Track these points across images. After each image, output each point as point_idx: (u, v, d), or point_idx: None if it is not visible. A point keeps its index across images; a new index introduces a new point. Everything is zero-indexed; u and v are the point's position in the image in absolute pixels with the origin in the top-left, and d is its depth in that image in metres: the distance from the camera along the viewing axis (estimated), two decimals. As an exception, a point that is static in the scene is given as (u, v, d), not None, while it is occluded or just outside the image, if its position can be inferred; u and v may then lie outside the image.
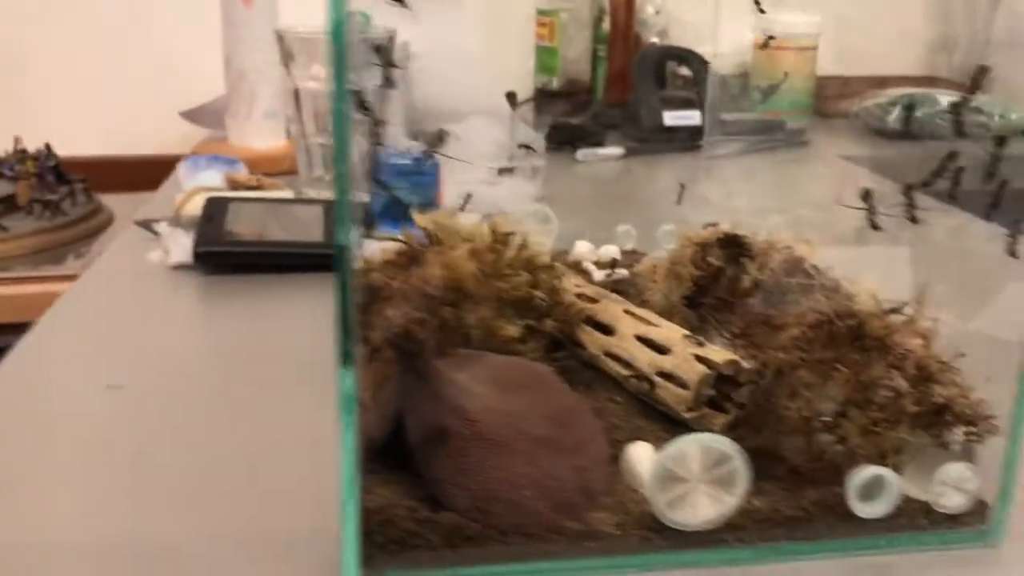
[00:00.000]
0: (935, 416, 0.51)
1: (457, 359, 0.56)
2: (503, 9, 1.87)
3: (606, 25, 1.76)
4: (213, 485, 0.57)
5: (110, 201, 1.58)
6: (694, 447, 0.49)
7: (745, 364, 0.59)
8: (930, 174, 0.57)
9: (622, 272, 0.86)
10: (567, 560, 0.49)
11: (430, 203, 0.84)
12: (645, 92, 1.57)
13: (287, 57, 1.18)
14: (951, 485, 0.51)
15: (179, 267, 0.96)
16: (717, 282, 0.67)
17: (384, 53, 0.63)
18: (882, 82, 1.93)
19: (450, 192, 1.17)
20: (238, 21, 1.33)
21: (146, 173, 1.37)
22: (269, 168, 1.25)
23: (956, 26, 1.96)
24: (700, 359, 0.59)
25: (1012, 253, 0.53)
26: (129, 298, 0.90)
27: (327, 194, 1.10)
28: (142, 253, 0.99)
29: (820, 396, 0.55)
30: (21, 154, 1.51)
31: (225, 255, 0.92)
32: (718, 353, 0.60)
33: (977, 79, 0.56)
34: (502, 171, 1.25)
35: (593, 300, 0.69)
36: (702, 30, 1.91)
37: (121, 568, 0.50)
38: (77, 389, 0.71)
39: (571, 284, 0.72)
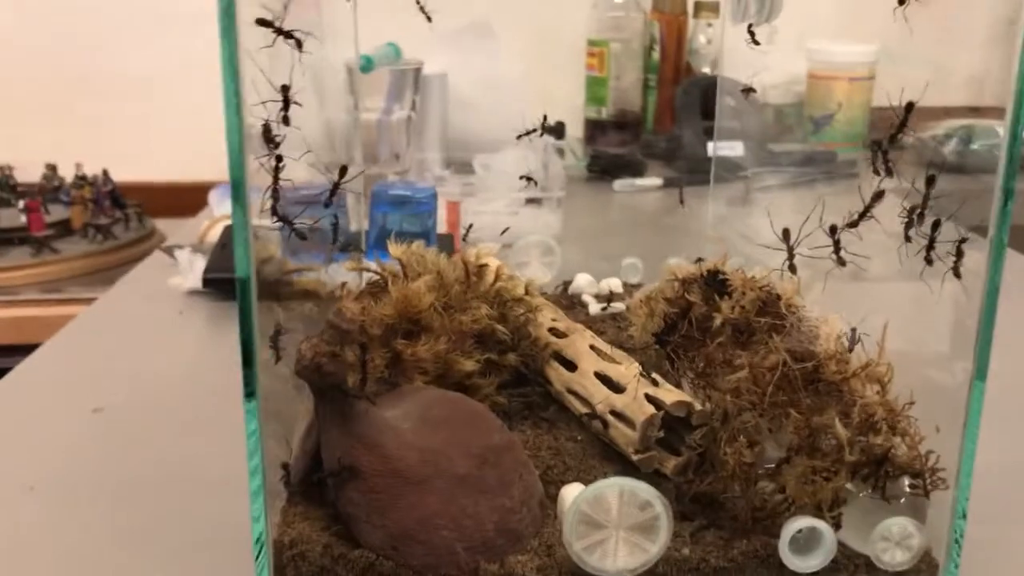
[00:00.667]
0: (876, 467, 0.49)
1: (394, 394, 0.56)
2: (554, 39, 1.87)
3: (657, 55, 1.75)
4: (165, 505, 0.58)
5: (166, 226, 1.62)
6: (613, 491, 0.47)
7: (698, 405, 0.57)
8: (858, 215, 0.55)
9: (618, 306, 0.84)
10: (483, 603, 0.48)
11: (426, 233, 0.84)
12: (688, 122, 1.55)
13: (319, 90, 1.19)
14: (894, 541, 0.49)
15: (193, 292, 0.98)
16: (687, 319, 0.65)
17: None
18: (948, 113, 1.88)
19: (478, 222, 1.17)
20: (272, 51, 1.36)
21: (203, 199, 1.40)
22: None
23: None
24: (651, 399, 0.58)
25: (956, 274, 0.51)
26: (136, 321, 0.92)
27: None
28: (165, 278, 1.02)
29: (765, 441, 0.53)
30: (80, 180, 1.57)
31: (231, 281, 0.93)
32: (669, 393, 0.58)
33: (907, 115, 0.54)
34: (529, 201, 1.25)
35: (564, 335, 0.68)
36: (755, 60, 1.88)
37: None
38: (64, 410, 0.72)
39: (547, 318, 0.71)
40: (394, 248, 0.70)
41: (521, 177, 0.90)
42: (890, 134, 0.52)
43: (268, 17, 0.42)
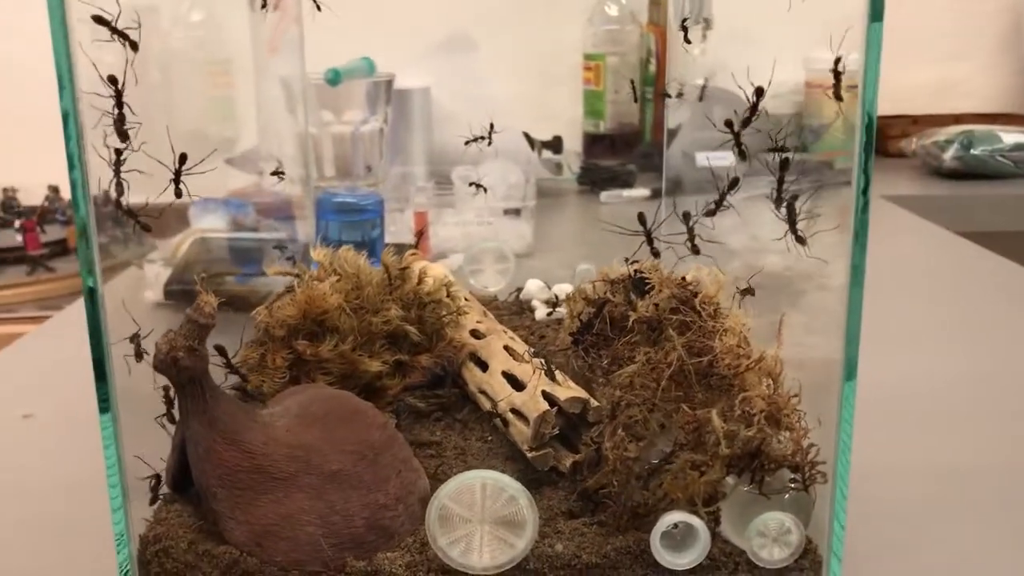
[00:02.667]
0: (750, 460, 0.47)
1: (283, 392, 0.56)
2: (552, 55, 1.87)
3: (653, 67, 1.74)
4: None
5: (164, 245, 1.64)
6: (476, 484, 0.46)
7: (594, 402, 0.56)
8: (714, 203, 0.53)
9: (562, 310, 0.83)
10: (350, 600, 0.48)
11: (371, 240, 0.84)
12: (675, 132, 1.54)
13: (292, 103, 1.20)
14: (771, 537, 0.47)
15: (160, 305, 0.99)
16: (601, 318, 0.64)
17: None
18: (956, 120, 1.84)
19: (448, 232, 1.17)
20: (263, 69, 1.38)
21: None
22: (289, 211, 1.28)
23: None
24: (546, 396, 0.57)
25: (799, 238, 0.50)
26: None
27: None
28: (141, 291, 1.03)
29: (656, 436, 0.51)
30: (78, 200, 1.59)
31: (190, 293, 0.94)
32: (566, 390, 0.57)
33: (757, 99, 0.52)
34: (507, 211, 1.25)
35: (483, 336, 0.67)
36: (752, 72, 1.87)
37: None
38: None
39: (471, 320, 0.70)
40: (316, 252, 0.70)
41: (470, 184, 0.89)
42: (743, 118, 0.51)
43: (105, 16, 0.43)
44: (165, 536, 0.48)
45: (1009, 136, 1.55)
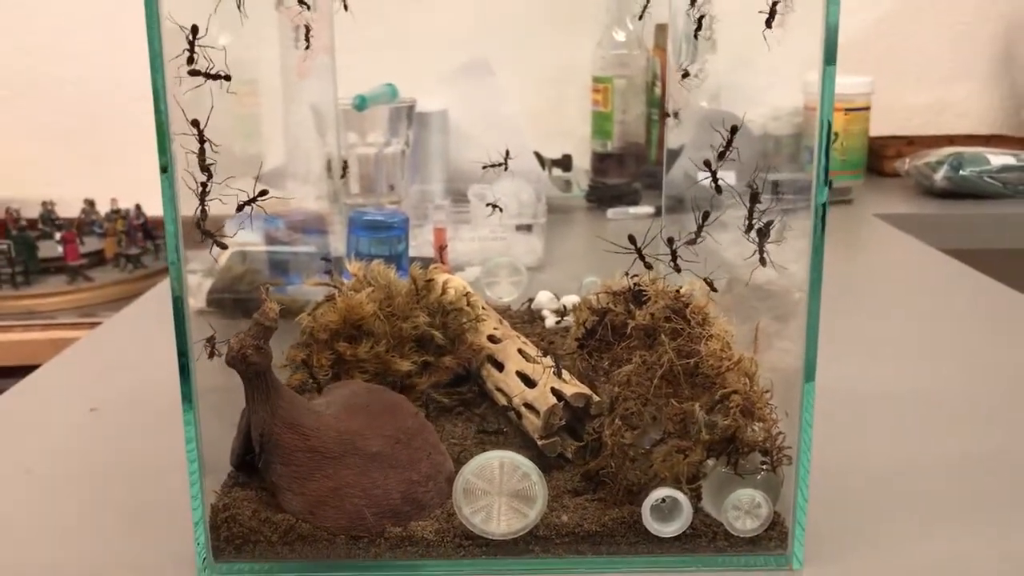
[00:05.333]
0: (726, 444, 0.56)
1: (330, 386, 0.64)
2: (563, 77, 1.97)
3: (659, 90, 1.83)
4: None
5: (194, 255, 1.74)
6: (495, 462, 0.55)
7: (596, 397, 0.65)
8: (695, 233, 0.62)
9: (569, 319, 0.92)
10: (388, 562, 0.56)
11: (397, 255, 0.93)
12: (677, 153, 1.62)
13: (321, 126, 1.30)
14: (743, 510, 0.56)
15: (203, 312, 1.08)
16: (604, 325, 0.73)
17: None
18: (950, 141, 1.92)
19: (465, 247, 1.26)
20: (292, 92, 1.47)
21: (227, 231, 1.52)
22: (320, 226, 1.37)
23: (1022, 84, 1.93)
24: (555, 392, 0.65)
25: (763, 260, 0.58)
26: (144, 335, 1.02)
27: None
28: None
29: (648, 426, 0.60)
30: (114, 213, 1.69)
31: (233, 301, 1.03)
32: (572, 387, 0.66)
33: (732, 136, 0.61)
34: (520, 227, 1.34)
35: (499, 341, 0.76)
36: (754, 93, 1.96)
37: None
38: (64, 411, 0.82)
39: (488, 327, 0.79)
40: (351, 265, 0.79)
41: (487, 204, 0.98)
42: (718, 152, 0.60)
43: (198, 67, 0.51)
44: (232, 505, 0.57)
45: (997, 158, 1.64)
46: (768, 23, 0.60)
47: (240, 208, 0.55)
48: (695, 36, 0.76)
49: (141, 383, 0.88)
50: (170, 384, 0.87)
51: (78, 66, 1.92)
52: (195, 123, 0.51)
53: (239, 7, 0.55)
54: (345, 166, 1.11)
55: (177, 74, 0.51)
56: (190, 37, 0.50)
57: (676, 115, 0.93)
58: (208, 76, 0.52)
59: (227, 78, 0.53)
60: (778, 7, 0.60)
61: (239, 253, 1.12)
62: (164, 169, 0.51)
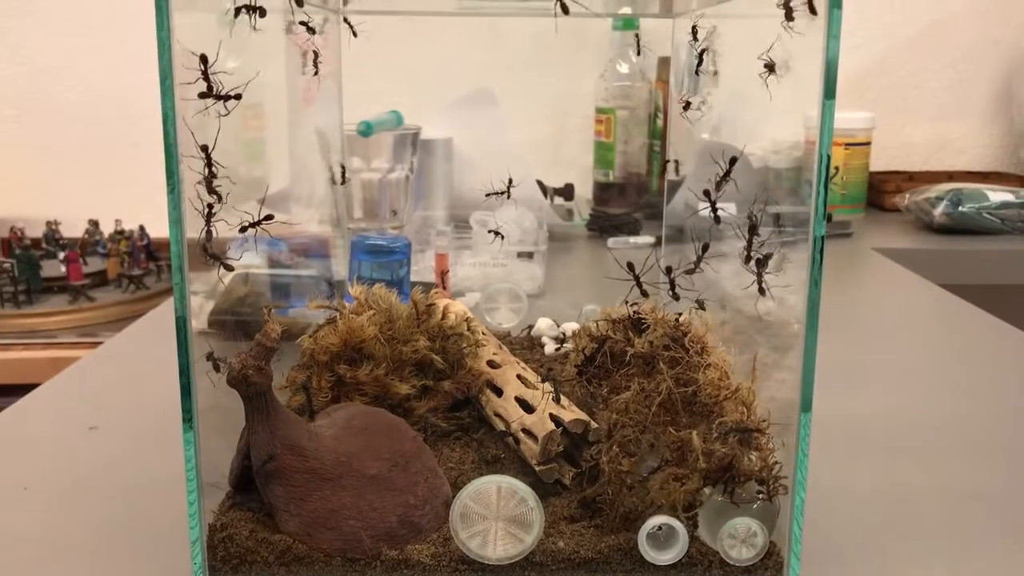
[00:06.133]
0: (722, 473, 0.56)
1: (329, 408, 0.65)
2: (567, 108, 1.98)
3: (660, 122, 1.84)
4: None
5: (196, 277, 1.74)
6: (493, 487, 0.55)
7: (594, 424, 0.65)
8: (693, 263, 0.63)
9: (568, 346, 0.92)
10: (384, 584, 0.56)
11: (399, 279, 0.93)
12: (678, 184, 1.64)
13: (326, 151, 1.31)
14: (739, 538, 0.56)
15: (203, 333, 1.08)
16: (603, 353, 0.73)
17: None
18: (950, 177, 1.94)
19: (466, 272, 1.27)
20: (297, 117, 1.49)
21: (230, 253, 1.53)
22: (323, 250, 1.38)
23: (1023, 120, 1.95)
24: (553, 418, 0.66)
25: (761, 291, 0.58)
26: (145, 354, 1.02)
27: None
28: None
29: (646, 453, 0.60)
30: (118, 234, 1.70)
31: (233, 323, 1.04)
32: (570, 413, 0.66)
33: (730, 167, 0.62)
34: (521, 254, 1.35)
35: (499, 366, 0.76)
36: (754, 126, 1.97)
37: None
38: (63, 429, 0.82)
39: (488, 352, 0.79)
40: (353, 289, 0.79)
41: (489, 231, 0.99)
42: (716, 182, 0.60)
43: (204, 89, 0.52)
44: (229, 525, 0.57)
45: (996, 195, 1.65)
46: (770, 70, 0.61)
47: (243, 231, 0.55)
48: (696, 72, 0.77)
49: (140, 402, 0.89)
50: (169, 404, 0.88)
51: (84, 88, 1.94)
52: (204, 148, 0.52)
53: (253, 27, 0.56)
54: (343, 171, 1.11)
55: (184, 96, 0.52)
56: (201, 66, 0.51)
57: (677, 167, 0.94)
58: (219, 97, 0.53)
59: (237, 98, 0.54)
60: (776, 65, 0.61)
61: (241, 275, 1.13)
62: (171, 190, 0.51)
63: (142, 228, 1.72)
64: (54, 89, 1.94)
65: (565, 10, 0.56)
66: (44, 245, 1.71)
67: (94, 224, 1.77)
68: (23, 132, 1.94)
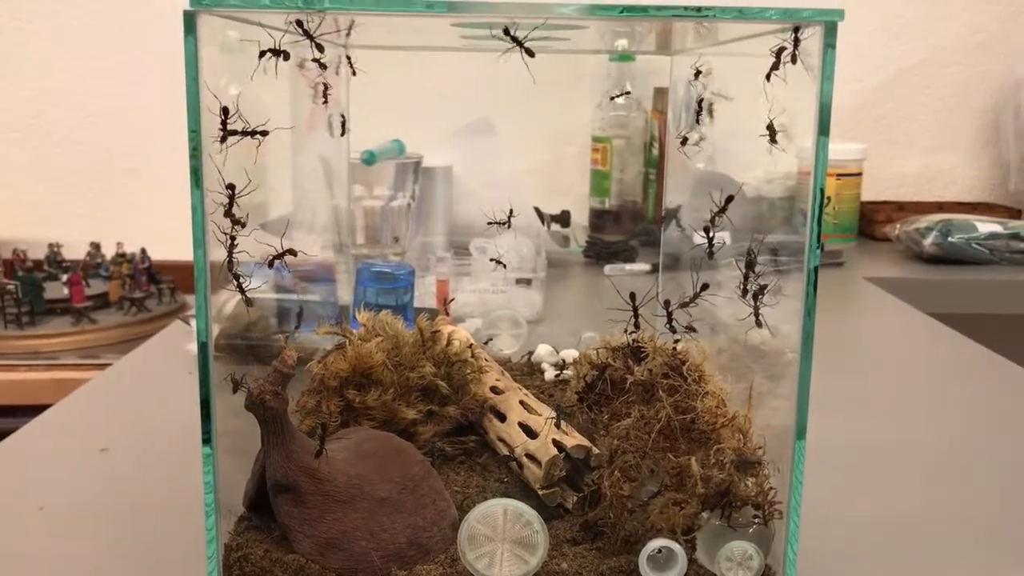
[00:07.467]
0: (720, 498, 0.59)
1: (340, 432, 0.67)
2: (564, 137, 2.02)
3: (656, 151, 1.88)
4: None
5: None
6: (499, 509, 0.57)
7: (596, 450, 0.68)
8: (689, 299, 0.65)
9: (568, 373, 0.95)
10: (393, 603, 0.58)
11: (403, 305, 0.96)
12: (674, 212, 1.66)
13: (330, 179, 1.33)
14: (736, 561, 0.58)
15: (214, 357, 1.10)
16: (603, 380, 0.76)
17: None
18: (939, 208, 1.97)
19: (465, 299, 1.29)
20: (301, 144, 1.51)
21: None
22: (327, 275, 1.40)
23: (1011, 153, 1.98)
24: (556, 443, 0.68)
25: (758, 323, 0.61)
26: (149, 379, 1.04)
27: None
28: (184, 343, 1.15)
29: (646, 478, 0.63)
30: (120, 257, 1.72)
31: (239, 347, 1.06)
32: (572, 439, 0.68)
33: (726, 204, 0.64)
34: (519, 281, 1.37)
35: (502, 392, 0.79)
36: (748, 156, 2.01)
37: None
38: (75, 451, 0.84)
39: (491, 378, 0.81)
40: (361, 315, 0.81)
41: (491, 259, 1.01)
42: (711, 217, 0.63)
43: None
44: (245, 545, 0.59)
45: (984, 226, 1.68)
46: (771, 134, 0.64)
47: (271, 264, 0.57)
48: (697, 121, 0.80)
49: (149, 425, 0.91)
50: (177, 427, 0.90)
51: (86, 112, 1.96)
52: (230, 186, 0.54)
53: (275, 71, 0.59)
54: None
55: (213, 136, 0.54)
56: (222, 117, 0.54)
57: (677, 217, 0.97)
58: (245, 133, 0.55)
59: (264, 134, 0.56)
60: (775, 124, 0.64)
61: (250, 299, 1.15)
62: (195, 212, 0.53)
63: (143, 251, 1.74)
64: (55, 112, 1.96)
65: (530, 53, 0.59)
66: (46, 267, 1.73)
67: (95, 247, 1.79)
68: (25, 155, 1.97)
